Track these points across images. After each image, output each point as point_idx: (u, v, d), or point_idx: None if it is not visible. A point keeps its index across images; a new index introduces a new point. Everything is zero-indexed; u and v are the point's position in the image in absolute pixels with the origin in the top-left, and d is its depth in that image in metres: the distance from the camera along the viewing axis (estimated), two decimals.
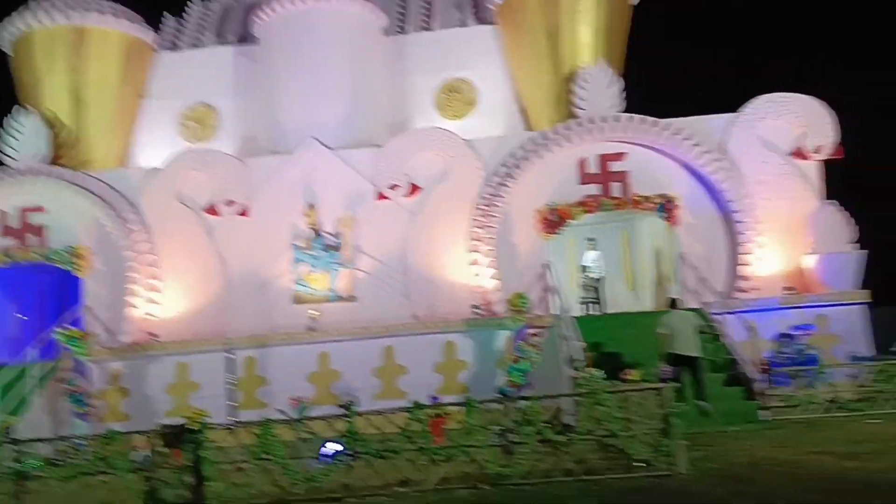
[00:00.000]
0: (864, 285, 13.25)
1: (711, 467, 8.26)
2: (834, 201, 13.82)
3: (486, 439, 8.28)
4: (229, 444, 8.58)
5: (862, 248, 13.41)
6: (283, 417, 9.09)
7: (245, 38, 17.33)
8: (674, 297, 12.58)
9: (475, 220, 14.15)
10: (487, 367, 12.94)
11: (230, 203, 14.51)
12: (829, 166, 14.20)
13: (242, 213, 14.51)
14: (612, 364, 11.78)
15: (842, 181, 14.57)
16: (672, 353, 11.17)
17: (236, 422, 10.28)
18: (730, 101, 14.46)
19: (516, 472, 8.06)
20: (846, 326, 12.93)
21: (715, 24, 26.09)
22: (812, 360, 12.07)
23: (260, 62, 16.71)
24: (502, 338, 12.98)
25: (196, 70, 16.97)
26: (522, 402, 8.72)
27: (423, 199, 14.40)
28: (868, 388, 11.69)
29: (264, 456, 8.02)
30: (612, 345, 12.60)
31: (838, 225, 13.47)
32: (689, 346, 11.13)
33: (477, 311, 13.54)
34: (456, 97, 16.59)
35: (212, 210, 14.58)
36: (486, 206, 14.16)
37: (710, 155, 13.96)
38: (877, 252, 13.52)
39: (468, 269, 13.99)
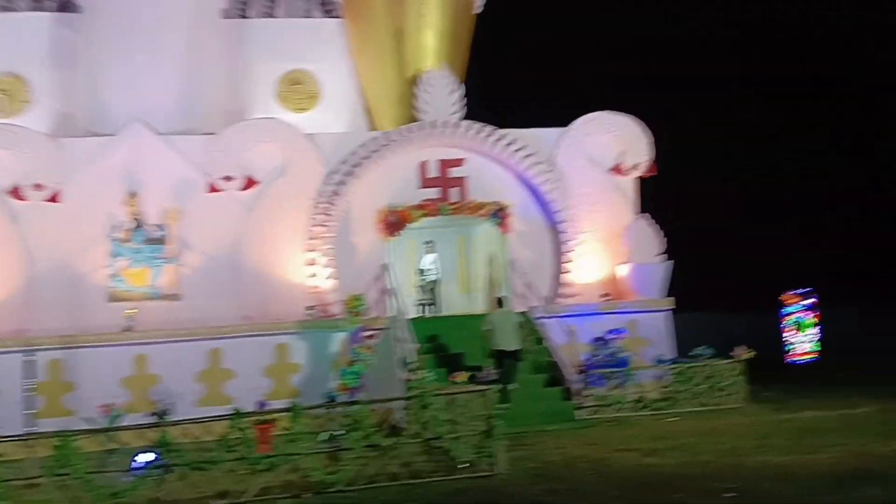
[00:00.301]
0: (670, 293, 14.60)
1: (529, 466, 8.70)
2: (646, 215, 15.09)
3: (312, 446, 8.13)
4: (23, 457, 7.76)
5: (669, 259, 14.75)
6: (89, 426, 8.32)
7: (66, 5, 15.70)
8: (500, 295, 13.21)
9: (314, 218, 13.86)
10: (321, 371, 12.71)
11: (39, 187, 13.10)
12: (644, 182, 15.47)
13: (53, 199, 13.14)
14: (446, 365, 12.16)
15: (654, 196, 15.94)
16: (495, 348, 11.83)
17: (30, 433, 9.28)
18: (564, 115, 15.33)
19: (341, 478, 7.98)
20: (653, 331, 14.17)
21: (553, 38, 27.50)
22: (623, 363, 13.10)
23: (82, 34, 15.22)
24: (337, 340, 12.82)
25: (6, 36, 15.10)
26: (351, 407, 8.66)
27: (259, 194, 13.86)
28: (670, 388, 12.92)
29: (63, 470, 7.31)
30: (446, 346, 12.96)
31: (649, 237, 14.73)
32: (510, 340, 11.94)
33: (312, 312, 13.26)
34: (298, 89, 16.12)
35: (17, 194, 13.08)
36: (326, 204, 13.92)
37: (540, 166, 14.70)
38: (679, 263, 14.88)
39: (304, 269, 13.67)
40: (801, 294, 21.71)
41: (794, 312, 21.66)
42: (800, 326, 21.53)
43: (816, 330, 21.43)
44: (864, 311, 22.81)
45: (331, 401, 10.49)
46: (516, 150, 14.65)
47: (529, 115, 15.57)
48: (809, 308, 21.55)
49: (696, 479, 7.64)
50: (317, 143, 14.18)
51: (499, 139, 14.63)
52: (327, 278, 13.65)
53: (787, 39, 27.52)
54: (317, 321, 13.08)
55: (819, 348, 21.19)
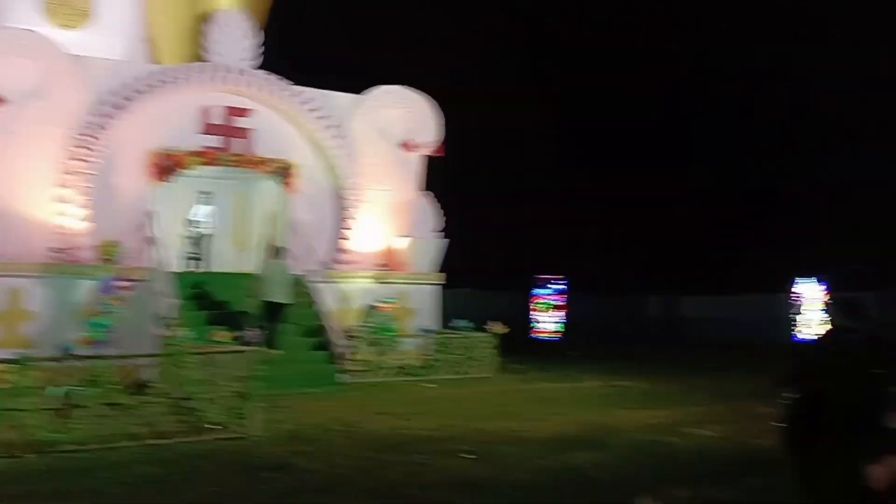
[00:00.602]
0: (442, 269, 15.27)
1: (284, 429, 8.65)
2: (430, 193, 15.61)
3: (39, 401, 7.34)
4: None
5: (445, 237, 15.42)
6: None
7: None
8: (277, 245, 12.90)
9: (72, 150, 12.35)
10: (61, 321, 11.44)
11: None
12: (432, 161, 15.94)
13: None
14: (210, 323, 11.59)
15: (442, 176, 16.50)
16: (264, 299, 11.67)
17: None
18: (365, 83, 15.20)
19: (71, 437, 7.31)
20: (422, 303, 14.74)
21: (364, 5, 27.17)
22: (391, 331, 13.53)
23: None
24: (84, 288, 11.61)
25: None
26: (90, 362, 7.96)
27: (5, 115, 12.02)
28: (431, 356, 13.63)
29: None
30: (213, 303, 12.39)
31: (429, 214, 15.28)
32: (280, 293, 11.88)
33: (58, 255, 11.86)
34: (67, 3, 14.19)
35: None
36: (88, 137, 12.46)
37: (332, 130, 14.47)
38: (453, 242, 15.59)
39: (53, 207, 12.16)
40: (552, 279, 24.18)
41: (545, 295, 24.11)
42: (547, 307, 24.02)
43: (562, 312, 24.04)
44: (604, 298, 26.07)
45: (68, 354, 9.52)
46: (309, 110, 14.30)
47: (327, 78, 15.22)
48: (559, 292, 24.09)
49: (441, 442, 8.14)
50: (84, 66, 12.60)
51: (292, 95, 14.16)
52: (80, 220, 12.27)
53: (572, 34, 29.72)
54: (62, 266, 11.73)
55: (563, 329, 23.81)
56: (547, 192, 28.27)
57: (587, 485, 6.56)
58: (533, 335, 23.61)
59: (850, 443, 3.84)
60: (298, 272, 13.28)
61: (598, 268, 25.77)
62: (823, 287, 21.34)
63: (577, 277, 24.41)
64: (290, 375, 11.15)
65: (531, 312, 24.20)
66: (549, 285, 24.03)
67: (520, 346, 16.56)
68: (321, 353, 12.34)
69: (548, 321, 23.96)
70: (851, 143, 24.79)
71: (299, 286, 12.82)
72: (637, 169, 27.99)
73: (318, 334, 12.69)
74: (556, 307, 24.00)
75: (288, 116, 14.30)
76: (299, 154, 14.37)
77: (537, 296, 24.23)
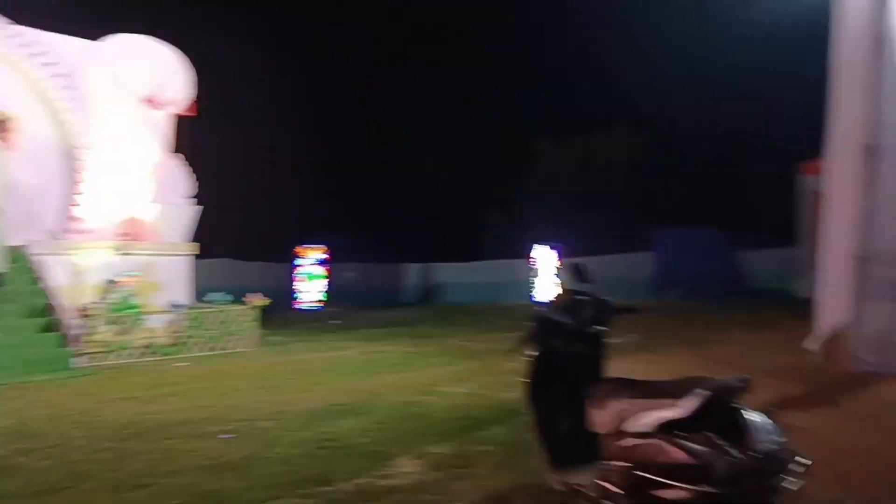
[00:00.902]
0: (196, 238, 14.30)
1: (3, 424, 7.57)
2: (180, 155, 14.44)
3: None
4: None
5: (199, 204, 14.42)
6: None
7: None
8: None
9: None
10: None
11: None
12: (183, 121, 14.72)
13: None
14: None
15: (190, 137, 15.32)
16: None
17: None
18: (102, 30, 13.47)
19: None
20: (172, 275, 13.69)
21: None
22: (134, 307, 12.42)
23: None
24: None
25: None
26: None
27: None
28: (182, 333, 12.77)
29: None
30: None
31: (179, 178, 14.15)
32: None
33: None
34: None
35: None
36: None
37: (61, 79, 12.72)
38: (208, 208, 14.70)
39: None
40: (314, 248, 24.10)
41: (307, 265, 23.97)
42: (310, 277, 23.93)
43: (325, 282, 24.11)
44: (366, 266, 26.65)
45: None
46: (32, 54, 12.38)
47: (61, 21, 13.23)
48: (321, 261, 24.09)
49: (194, 424, 7.68)
50: None
51: (10, 35, 12.13)
52: None
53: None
54: None
55: (326, 298, 23.91)
56: (311, 161, 27.94)
57: (347, 451, 6.64)
58: (296, 306, 23.32)
59: (578, 392, 4.32)
60: (19, 243, 11.58)
61: (360, 236, 26.19)
62: (556, 252, 23.81)
63: (340, 246, 24.57)
64: (11, 362, 9.78)
65: (294, 282, 23.88)
66: (310, 254, 23.86)
67: (282, 317, 16.25)
68: (50, 335, 10.93)
69: (310, 291, 23.81)
70: (585, 125, 27.90)
71: (20, 259, 11.19)
72: (399, 143, 28.85)
73: (45, 314, 11.21)
74: (318, 276, 23.96)
75: (5, 60, 12.26)
76: (19, 105, 12.43)
77: (299, 265, 23.94)
